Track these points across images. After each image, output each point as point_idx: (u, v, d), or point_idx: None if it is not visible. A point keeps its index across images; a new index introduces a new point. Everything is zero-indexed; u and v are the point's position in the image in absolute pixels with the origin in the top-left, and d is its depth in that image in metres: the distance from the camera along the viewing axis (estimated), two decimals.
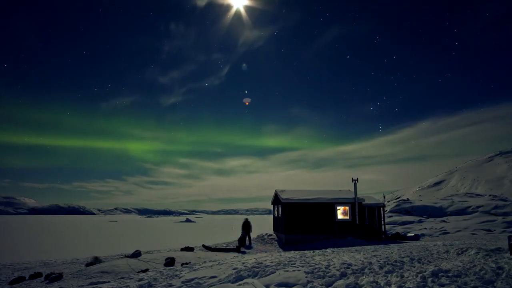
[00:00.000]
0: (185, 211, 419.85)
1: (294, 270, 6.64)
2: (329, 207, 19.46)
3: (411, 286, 5.24)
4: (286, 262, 7.72)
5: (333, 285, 5.57)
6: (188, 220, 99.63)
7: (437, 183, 65.80)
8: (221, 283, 6.14)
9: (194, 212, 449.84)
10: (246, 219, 20.02)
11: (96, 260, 12.37)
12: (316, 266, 6.92)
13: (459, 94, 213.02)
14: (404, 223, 29.94)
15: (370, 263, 7.19)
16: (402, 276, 5.85)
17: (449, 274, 5.70)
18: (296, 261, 7.85)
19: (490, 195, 39.52)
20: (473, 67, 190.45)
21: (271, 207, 23.91)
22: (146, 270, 9.66)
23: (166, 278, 7.15)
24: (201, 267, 8.28)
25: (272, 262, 7.74)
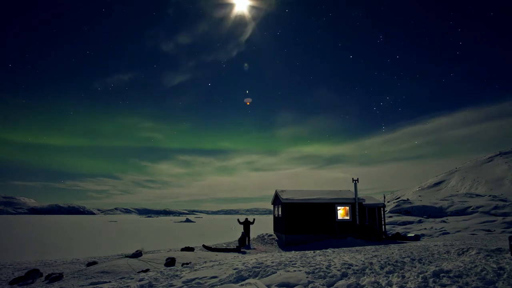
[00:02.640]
0: (185, 211, 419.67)
1: (295, 270, 6.64)
2: (330, 207, 19.46)
3: (412, 287, 5.24)
4: (287, 262, 7.72)
5: (334, 285, 5.57)
6: (188, 220, 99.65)
7: (437, 183, 65.80)
8: (222, 283, 6.14)
9: (194, 212, 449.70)
10: (246, 219, 20.01)
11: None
12: (317, 267, 6.92)
13: (462, 93, 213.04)
14: (404, 223, 29.95)
15: (371, 263, 7.18)
16: (403, 277, 5.85)
17: (451, 275, 5.70)
18: (297, 261, 7.85)
19: (490, 196, 39.53)
20: (477, 67, 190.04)
21: (271, 207, 23.91)
22: (146, 270, 9.65)
23: (167, 278, 7.14)
24: (202, 267, 8.28)
25: (272, 262, 7.73)
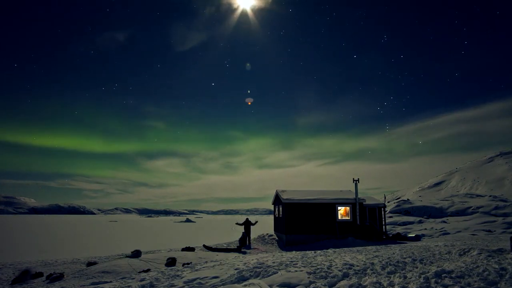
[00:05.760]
0: (185, 211, 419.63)
1: (296, 271, 6.63)
2: (330, 207, 19.44)
3: (414, 287, 5.23)
4: (288, 262, 7.71)
5: (336, 286, 5.56)
6: (188, 220, 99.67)
7: (437, 184, 65.76)
8: (223, 284, 6.13)
9: (194, 212, 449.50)
10: (247, 219, 20.02)
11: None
12: (318, 267, 6.91)
13: (467, 94, 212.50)
14: (404, 223, 29.93)
15: (372, 263, 7.17)
16: (405, 277, 5.84)
17: (452, 275, 5.69)
18: (298, 261, 7.84)
19: (490, 196, 39.50)
20: (482, 67, 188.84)
21: (271, 207, 23.90)
22: (147, 270, 9.65)
23: (168, 278, 7.14)
24: (203, 267, 8.28)
25: (274, 263, 7.73)
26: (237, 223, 20.19)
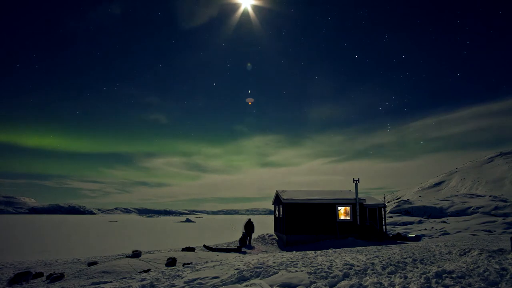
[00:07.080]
0: (185, 211, 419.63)
1: (296, 271, 6.63)
2: (330, 207, 19.44)
3: (415, 287, 5.22)
4: (289, 262, 7.71)
5: (337, 286, 5.56)
6: (188, 220, 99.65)
7: (437, 184, 65.75)
8: (224, 284, 6.13)
9: (194, 212, 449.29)
10: (249, 219, 20.03)
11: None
12: (319, 267, 6.91)
13: (469, 93, 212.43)
14: (404, 223, 29.94)
15: (373, 263, 7.17)
16: (405, 277, 5.84)
17: (453, 275, 5.68)
18: (298, 261, 7.84)
19: (490, 196, 39.51)
20: (484, 67, 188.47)
21: (271, 207, 23.90)
22: (148, 270, 9.64)
23: (168, 278, 7.13)
24: (203, 267, 8.27)
25: (274, 263, 7.73)
26: (243, 231, 19.84)
